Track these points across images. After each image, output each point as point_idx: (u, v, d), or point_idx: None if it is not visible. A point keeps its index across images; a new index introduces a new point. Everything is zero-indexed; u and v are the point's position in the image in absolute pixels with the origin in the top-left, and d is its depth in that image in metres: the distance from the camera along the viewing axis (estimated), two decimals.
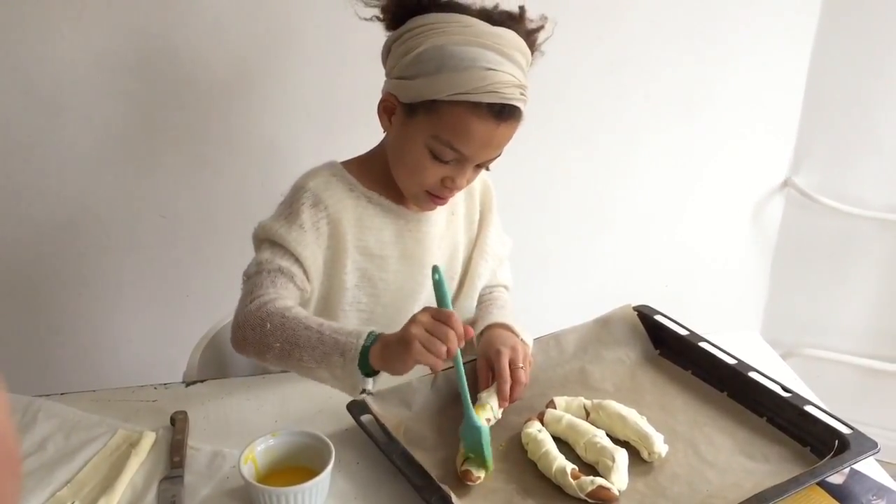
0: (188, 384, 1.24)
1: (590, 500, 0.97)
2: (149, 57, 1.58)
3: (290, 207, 1.19)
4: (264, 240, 1.18)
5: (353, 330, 1.02)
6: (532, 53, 1.15)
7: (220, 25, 1.58)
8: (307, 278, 1.17)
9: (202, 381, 1.25)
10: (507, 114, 1.09)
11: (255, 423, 1.13)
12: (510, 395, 1.12)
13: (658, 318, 1.32)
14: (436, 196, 1.18)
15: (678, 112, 1.94)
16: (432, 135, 1.11)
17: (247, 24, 1.59)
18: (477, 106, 1.07)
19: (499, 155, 1.16)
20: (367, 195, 1.22)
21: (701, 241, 2.13)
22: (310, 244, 1.17)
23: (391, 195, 1.23)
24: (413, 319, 0.98)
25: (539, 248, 2.01)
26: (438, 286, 0.99)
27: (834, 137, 2.09)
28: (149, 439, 1.09)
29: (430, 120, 1.10)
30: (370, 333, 1.01)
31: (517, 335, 1.20)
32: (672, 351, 1.29)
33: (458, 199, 1.31)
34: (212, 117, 1.66)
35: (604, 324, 1.32)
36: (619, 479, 0.99)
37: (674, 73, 1.89)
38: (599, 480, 0.97)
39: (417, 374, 1.13)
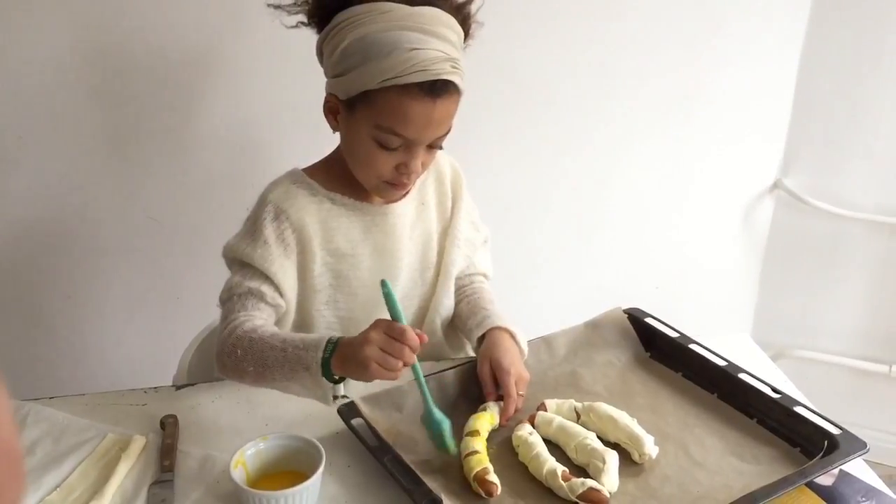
0: (178, 388, 1.24)
1: (581, 502, 0.97)
2: (139, 59, 1.57)
3: (254, 224, 1.20)
4: (233, 260, 1.20)
5: (313, 342, 1.04)
6: (468, 26, 1.15)
7: (211, 27, 1.58)
8: (280, 293, 1.18)
9: (192, 385, 1.25)
10: (440, 89, 1.08)
11: (245, 426, 1.13)
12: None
13: (648, 320, 1.32)
14: (395, 184, 1.18)
15: (668, 115, 1.95)
16: (374, 125, 1.11)
17: (238, 27, 1.59)
18: (407, 87, 1.07)
19: (447, 132, 1.15)
20: (329, 197, 1.22)
21: (691, 242, 2.13)
22: (277, 258, 1.18)
23: (354, 193, 1.23)
24: (367, 338, 0.99)
25: (530, 249, 2.01)
26: (389, 300, 1.02)
27: (823, 139, 2.10)
28: (138, 443, 1.09)
29: (369, 111, 1.11)
30: (328, 343, 1.03)
31: (518, 343, 1.22)
32: (662, 353, 1.29)
33: (428, 189, 1.31)
34: (201, 119, 1.66)
35: (594, 327, 1.32)
36: (609, 480, 0.99)
37: (664, 76, 1.90)
38: (590, 482, 0.97)
39: (409, 377, 1.13)
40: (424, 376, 1.16)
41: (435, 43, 1.07)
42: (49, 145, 1.61)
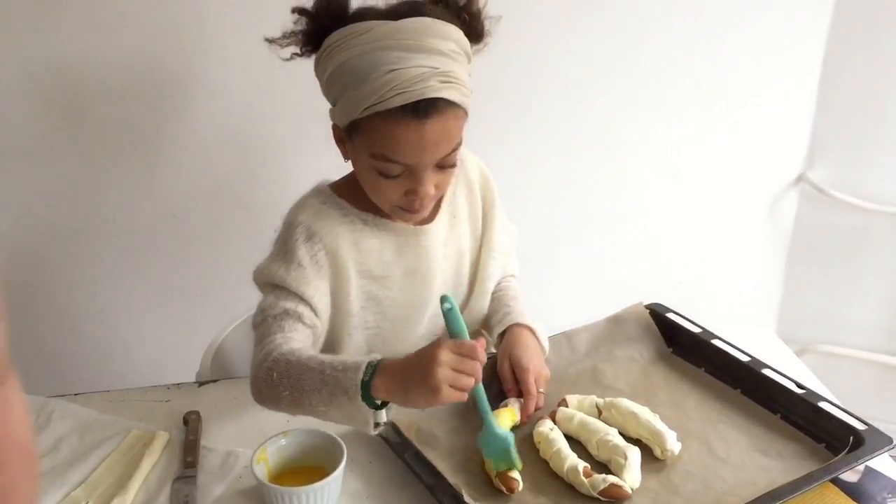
0: (201, 384, 1.25)
1: (602, 499, 0.96)
2: (160, 58, 1.58)
3: (284, 245, 1.14)
4: (265, 284, 1.14)
5: (352, 364, 0.97)
6: (479, 25, 1.09)
7: (230, 26, 1.58)
8: (316, 314, 1.13)
9: (215, 381, 1.26)
10: (427, 109, 1.01)
11: (267, 422, 1.13)
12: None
13: (670, 315, 1.32)
14: (409, 210, 1.12)
15: (691, 108, 1.93)
16: (369, 154, 1.06)
17: (256, 25, 1.59)
18: (391, 112, 1.00)
19: (454, 149, 1.08)
20: (361, 217, 1.16)
21: (715, 237, 2.12)
22: (312, 281, 1.12)
23: (385, 213, 1.17)
24: (435, 359, 0.92)
25: (551, 245, 2.00)
26: (451, 316, 0.96)
27: (848, 132, 2.07)
28: (162, 439, 1.10)
29: (362, 140, 1.06)
30: (368, 366, 0.96)
31: (539, 340, 1.19)
32: (685, 348, 1.28)
33: (458, 200, 1.26)
34: (223, 117, 1.66)
35: (616, 322, 1.31)
36: (631, 477, 0.99)
37: (687, 69, 1.88)
38: (612, 478, 0.97)
39: None
40: None
41: (418, 59, 1.00)
42: (73, 143, 1.62)
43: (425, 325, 1.26)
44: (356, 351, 1.22)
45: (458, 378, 0.92)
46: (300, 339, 1.09)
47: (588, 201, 1.99)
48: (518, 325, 1.21)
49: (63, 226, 1.69)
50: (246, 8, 1.58)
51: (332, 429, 1.04)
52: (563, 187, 1.95)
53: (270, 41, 1.11)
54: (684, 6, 1.82)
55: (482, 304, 1.30)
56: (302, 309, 1.11)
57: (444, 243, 1.23)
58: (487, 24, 1.11)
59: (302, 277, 1.11)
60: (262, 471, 0.98)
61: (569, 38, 1.78)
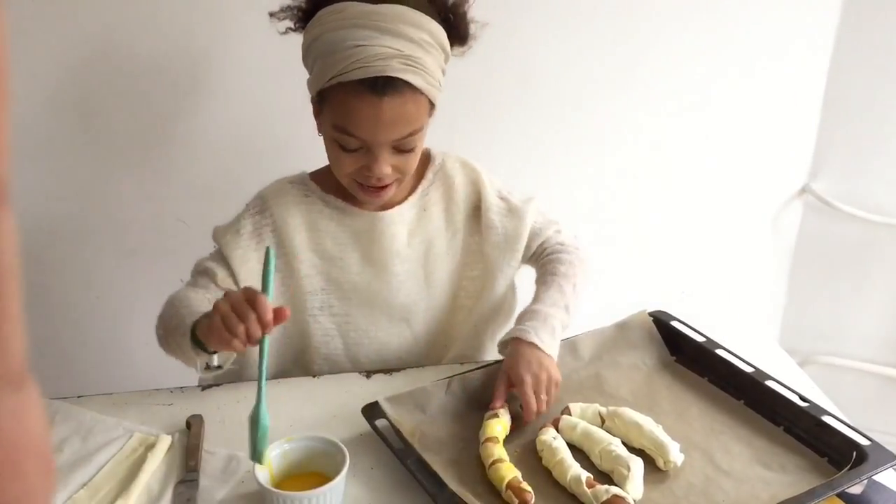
0: (204, 388, 1.25)
1: None
2: (167, 61, 1.59)
3: (242, 213, 1.25)
4: (215, 243, 1.25)
5: (196, 311, 1.05)
6: (462, 26, 1.14)
7: (234, 30, 1.59)
8: (235, 281, 1.20)
9: (218, 385, 1.25)
10: (384, 86, 1.06)
11: (270, 427, 1.13)
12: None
13: (674, 324, 1.31)
14: (367, 187, 1.17)
15: (695, 118, 1.93)
16: (332, 125, 1.12)
17: (267, 28, 1.59)
18: (351, 85, 1.07)
19: (412, 133, 1.12)
20: (323, 199, 1.24)
21: (718, 247, 2.12)
22: (242, 247, 1.21)
23: (349, 197, 1.24)
24: (226, 293, 0.98)
25: None
26: (265, 269, 0.96)
27: (853, 144, 2.07)
28: (164, 443, 1.10)
29: (326, 111, 1.13)
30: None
31: (543, 351, 1.14)
32: (688, 358, 1.28)
33: (431, 197, 1.29)
34: (229, 122, 1.67)
35: (620, 329, 1.31)
36: (634, 488, 0.98)
37: (690, 78, 1.88)
38: (614, 489, 0.96)
39: (432, 377, 1.13)
40: (460, 374, 1.15)
41: (385, 40, 1.05)
42: (79, 146, 1.63)
43: (397, 311, 1.29)
44: (325, 337, 1.27)
45: (230, 317, 0.93)
46: (206, 296, 1.16)
47: (590, 210, 1.99)
48: (518, 339, 1.16)
49: (69, 227, 1.69)
50: (257, 11, 1.58)
51: (336, 434, 1.04)
52: (564, 196, 1.94)
53: (272, 14, 1.18)
54: (687, 15, 1.82)
55: (496, 293, 1.32)
56: (219, 270, 1.20)
57: (409, 233, 1.27)
58: (473, 28, 1.16)
59: (234, 242, 1.21)
60: (265, 475, 0.98)
61: (570, 46, 1.78)
